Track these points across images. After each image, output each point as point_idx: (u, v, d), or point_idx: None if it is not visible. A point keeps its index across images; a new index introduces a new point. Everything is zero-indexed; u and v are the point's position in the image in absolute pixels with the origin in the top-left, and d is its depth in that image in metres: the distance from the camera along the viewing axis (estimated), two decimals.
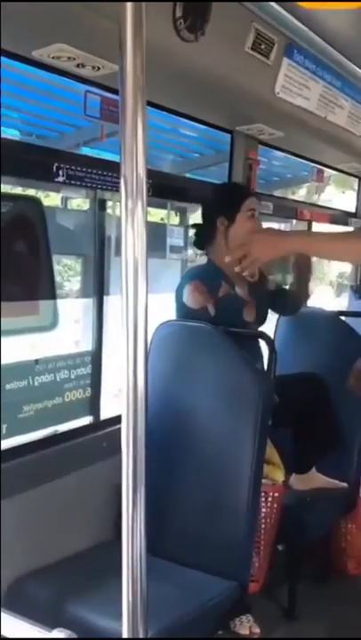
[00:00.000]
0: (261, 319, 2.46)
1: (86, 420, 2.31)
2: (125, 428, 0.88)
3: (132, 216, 0.87)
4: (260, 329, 2.45)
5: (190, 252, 4.31)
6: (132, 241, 0.87)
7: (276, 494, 2.21)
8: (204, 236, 2.41)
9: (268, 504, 2.19)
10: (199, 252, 2.55)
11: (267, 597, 2.48)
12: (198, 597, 1.86)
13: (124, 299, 0.88)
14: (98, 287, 2.28)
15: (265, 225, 2.57)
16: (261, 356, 2.39)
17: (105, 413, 2.36)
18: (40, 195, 2.73)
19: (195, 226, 2.49)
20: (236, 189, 2.56)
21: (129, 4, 0.86)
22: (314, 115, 2.64)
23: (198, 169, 4.28)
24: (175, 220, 4.58)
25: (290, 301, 2.60)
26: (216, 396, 2.07)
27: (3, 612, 0.85)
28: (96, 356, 2.30)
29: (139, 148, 0.87)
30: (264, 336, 2.31)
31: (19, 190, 2.51)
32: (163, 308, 2.33)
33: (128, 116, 0.87)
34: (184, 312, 2.25)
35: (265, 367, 2.26)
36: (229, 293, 2.31)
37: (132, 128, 0.87)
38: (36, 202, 1.70)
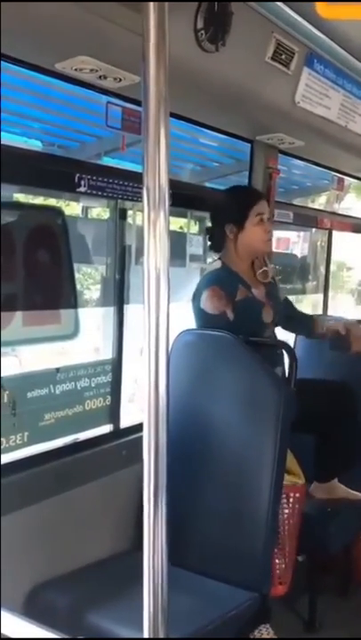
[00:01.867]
0: (277, 319, 2.46)
1: (106, 428, 2.32)
2: (147, 437, 0.88)
3: (154, 226, 0.88)
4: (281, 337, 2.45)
5: (210, 260, 4.32)
6: (154, 251, 0.87)
7: (298, 495, 2.19)
8: (216, 240, 2.40)
9: (290, 505, 2.16)
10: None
11: (287, 608, 2.45)
12: (219, 608, 1.85)
13: (146, 308, 0.88)
14: (118, 295, 2.28)
15: (284, 233, 2.56)
16: (282, 364, 2.38)
17: (123, 418, 2.36)
18: (61, 203, 2.76)
19: (207, 230, 2.48)
20: (243, 194, 2.45)
21: (152, 17, 0.87)
22: (334, 123, 2.63)
23: (218, 178, 4.28)
24: (195, 228, 4.59)
25: (303, 324, 2.62)
26: (236, 405, 2.06)
27: (10, 614, 0.85)
28: (116, 365, 2.30)
29: (161, 159, 0.87)
30: (285, 345, 2.30)
31: (40, 199, 2.53)
32: (182, 317, 2.34)
33: (151, 127, 0.88)
34: (203, 318, 2.24)
35: (285, 375, 2.25)
36: (247, 296, 2.30)
37: (155, 139, 0.87)
38: (58, 212, 1.72)
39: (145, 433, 0.88)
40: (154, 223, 0.88)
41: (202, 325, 2.25)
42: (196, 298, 2.27)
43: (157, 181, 0.88)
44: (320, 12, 1.05)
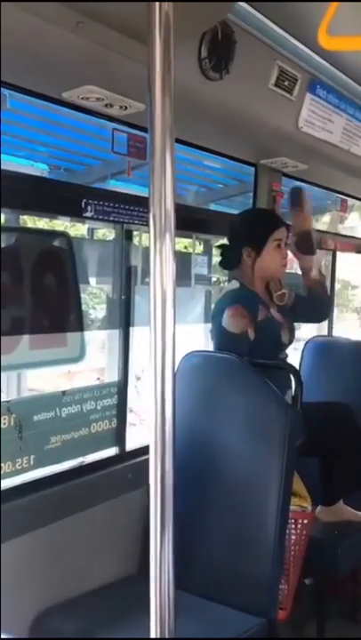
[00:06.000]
0: (293, 339, 2.47)
1: (112, 450, 2.31)
2: (153, 459, 0.88)
3: (160, 251, 0.89)
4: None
5: (214, 278, 4.33)
6: (160, 276, 0.89)
7: (306, 521, 2.17)
8: (230, 259, 2.40)
9: (298, 531, 2.14)
10: (224, 272, 2.54)
11: (296, 633, 2.42)
12: (226, 633, 1.83)
13: (152, 331, 0.89)
14: (124, 317, 2.29)
15: (288, 253, 2.54)
16: (289, 386, 2.37)
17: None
18: (67, 225, 2.79)
19: (221, 246, 2.47)
20: (264, 220, 2.45)
21: (157, 48, 0.90)
22: (337, 147, 2.67)
23: (223, 199, 4.31)
24: (199, 248, 4.61)
25: (313, 306, 2.55)
26: (243, 428, 2.06)
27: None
28: (121, 387, 2.31)
29: (167, 185, 0.89)
30: (291, 367, 2.30)
31: (46, 220, 2.56)
32: (187, 335, 2.34)
33: (157, 155, 0.89)
34: (224, 336, 2.23)
35: (292, 397, 2.24)
36: (267, 317, 2.32)
37: (161, 167, 0.89)
38: (64, 236, 1.75)
39: (151, 455, 0.88)
40: (160, 249, 0.89)
41: (221, 343, 2.25)
42: (217, 316, 2.26)
43: (163, 208, 0.89)
44: (322, 43, 1.07)
